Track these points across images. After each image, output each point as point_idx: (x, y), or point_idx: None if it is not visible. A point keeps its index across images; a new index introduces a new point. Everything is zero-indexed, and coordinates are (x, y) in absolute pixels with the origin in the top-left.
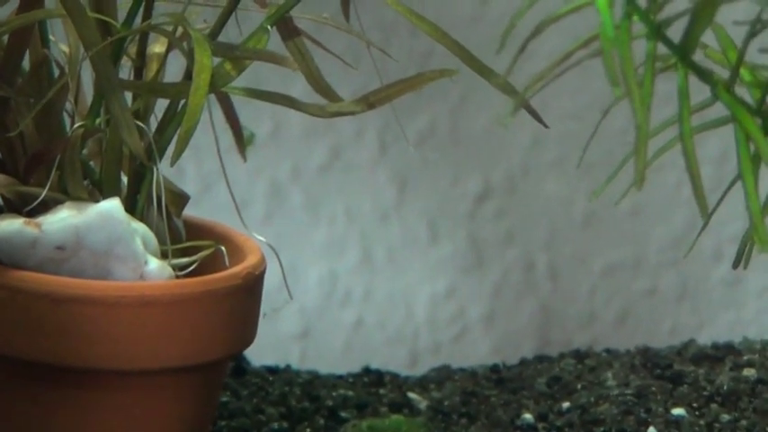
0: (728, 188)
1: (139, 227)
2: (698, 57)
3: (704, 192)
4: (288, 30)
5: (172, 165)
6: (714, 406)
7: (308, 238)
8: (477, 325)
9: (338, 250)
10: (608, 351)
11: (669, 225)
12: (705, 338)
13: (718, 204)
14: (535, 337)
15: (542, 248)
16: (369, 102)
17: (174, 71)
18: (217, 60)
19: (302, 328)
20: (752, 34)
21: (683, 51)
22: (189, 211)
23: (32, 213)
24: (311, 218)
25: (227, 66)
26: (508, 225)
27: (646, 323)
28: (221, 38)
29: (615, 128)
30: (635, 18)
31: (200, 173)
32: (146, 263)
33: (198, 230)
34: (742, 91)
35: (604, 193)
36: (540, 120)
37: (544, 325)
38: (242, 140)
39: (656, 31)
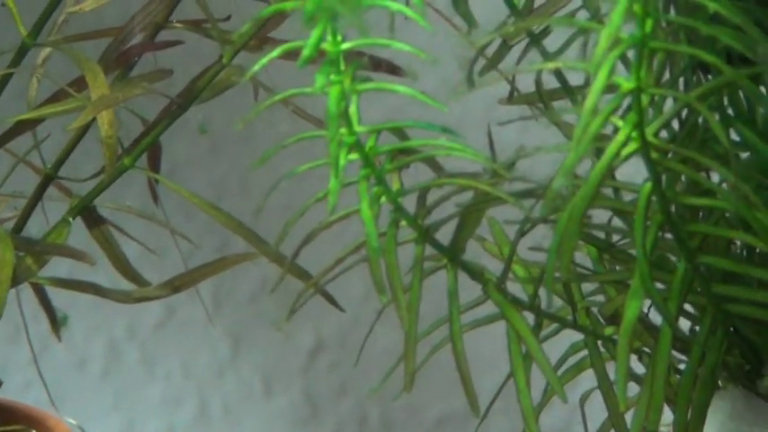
0: (502, 386)
1: None
2: (476, 249)
3: (475, 392)
4: (92, 219)
5: None
6: None
7: (145, 393)
8: None
9: (175, 405)
10: None
11: (498, 374)
12: None
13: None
14: None
15: (375, 400)
16: (174, 286)
17: None
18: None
19: None
20: (521, 233)
21: (453, 253)
22: (26, 373)
23: None
24: (148, 374)
25: (29, 260)
26: (341, 377)
27: None
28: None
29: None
30: (403, 223)
31: (39, 332)
32: None
33: (11, 414)
34: (516, 287)
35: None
36: (336, 304)
37: None
38: (56, 324)
39: (425, 236)
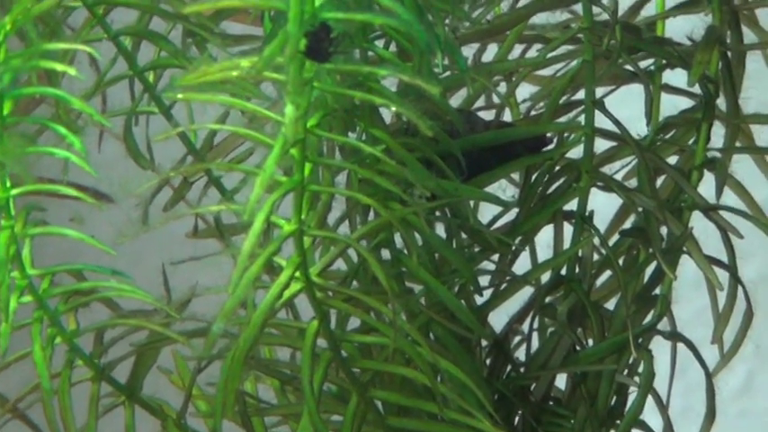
0: None
1: None
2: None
3: None
4: None
5: None
6: None
7: None
8: None
9: None
10: None
11: None
12: None
13: None
14: None
15: None
16: None
17: None
18: None
19: None
20: (198, 369)
21: (130, 391)
22: None
23: None
24: None
25: None
26: None
27: None
28: None
29: None
30: (80, 363)
31: None
32: None
33: None
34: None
35: None
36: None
37: None
38: None
39: (101, 374)
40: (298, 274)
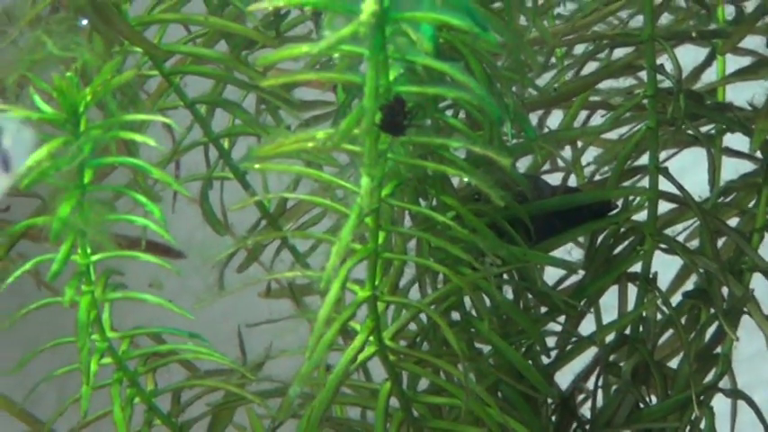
0: None
1: None
2: None
3: None
4: None
5: None
6: None
7: None
8: None
9: None
10: None
11: None
12: None
13: None
14: None
15: None
16: None
17: None
18: None
19: None
20: (272, 429)
21: None
22: None
23: None
24: None
25: None
26: None
27: None
28: None
29: None
30: (158, 422)
31: None
32: None
33: None
34: None
35: None
36: None
37: None
38: None
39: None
40: (371, 338)
